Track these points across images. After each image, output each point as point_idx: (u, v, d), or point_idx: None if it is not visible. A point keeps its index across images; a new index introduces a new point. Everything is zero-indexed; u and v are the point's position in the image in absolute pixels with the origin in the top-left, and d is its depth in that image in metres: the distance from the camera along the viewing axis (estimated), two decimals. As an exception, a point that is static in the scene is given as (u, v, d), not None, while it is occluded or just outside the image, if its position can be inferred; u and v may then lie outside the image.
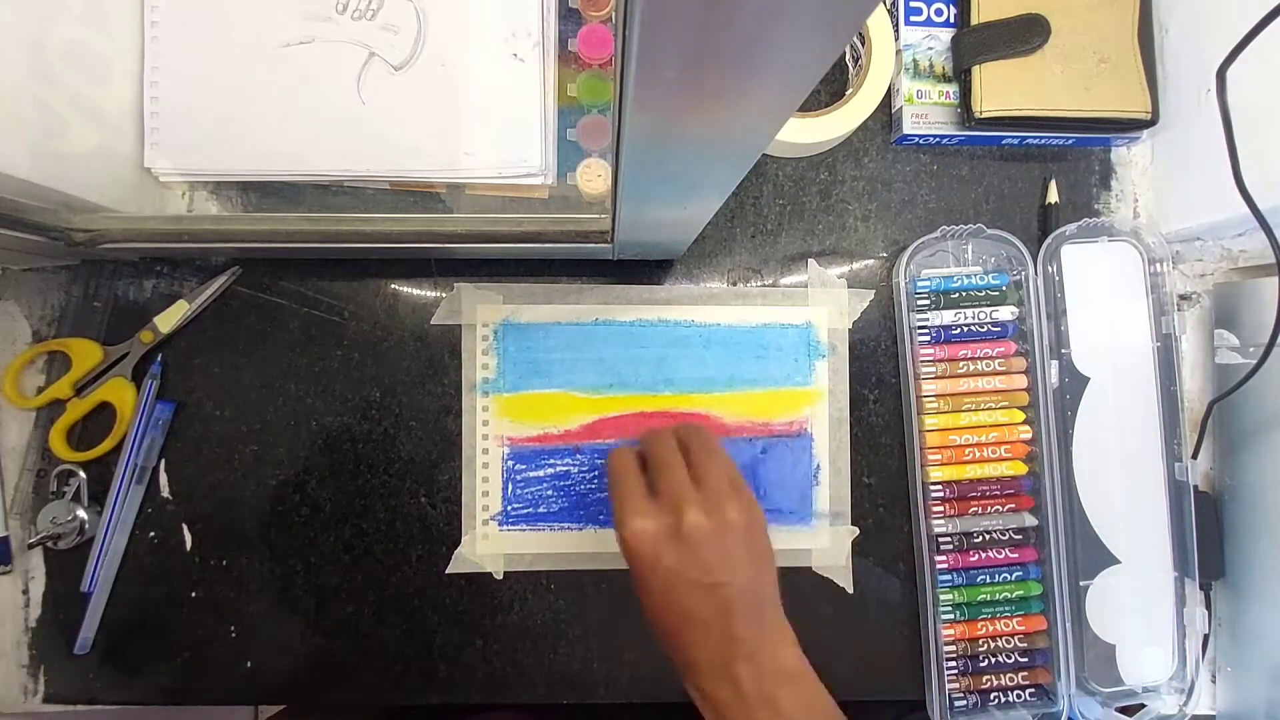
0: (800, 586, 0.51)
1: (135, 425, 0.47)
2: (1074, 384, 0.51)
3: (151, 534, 0.48)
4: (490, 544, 0.49)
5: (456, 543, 0.49)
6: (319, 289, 0.50)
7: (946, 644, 0.50)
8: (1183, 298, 0.53)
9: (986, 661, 0.50)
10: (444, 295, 0.50)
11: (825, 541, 0.51)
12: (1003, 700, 0.49)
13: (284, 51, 0.47)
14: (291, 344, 0.49)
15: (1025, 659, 0.50)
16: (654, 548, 0.37)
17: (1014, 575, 0.50)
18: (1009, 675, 0.50)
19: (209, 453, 0.49)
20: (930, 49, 0.51)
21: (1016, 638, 0.50)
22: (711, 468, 0.40)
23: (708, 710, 0.37)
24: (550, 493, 0.50)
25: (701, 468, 0.40)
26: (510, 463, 0.50)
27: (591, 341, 0.50)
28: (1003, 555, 0.50)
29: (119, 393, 0.47)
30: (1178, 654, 0.50)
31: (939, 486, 0.50)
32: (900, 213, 0.52)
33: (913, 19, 0.51)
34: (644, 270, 0.51)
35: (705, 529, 0.37)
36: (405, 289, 0.50)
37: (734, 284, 0.52)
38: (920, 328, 0.51)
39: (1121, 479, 0.51)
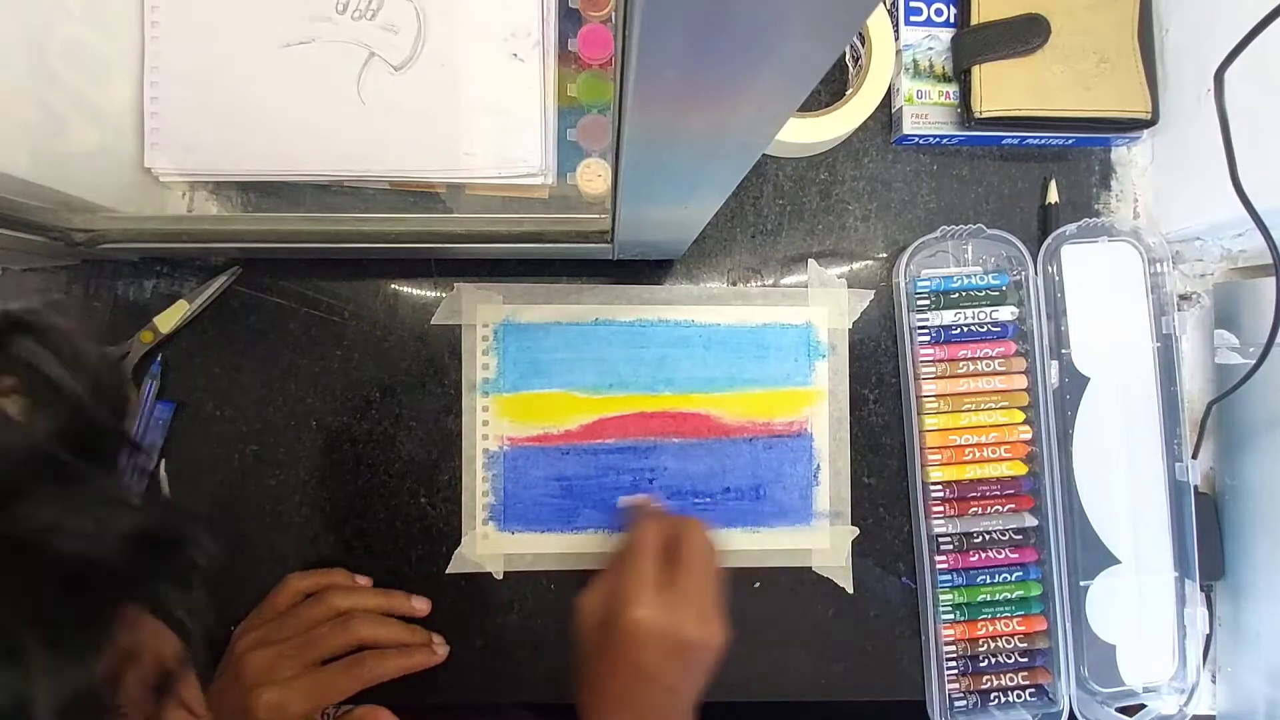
0: (800, 586, 0.51)
1: (135, 425, 0.47)
2: (1074, 384, 0.51)
3: (151, 534, 0.48)
4: (490, 544, 0.49)
5: (456, 543, 0.49)
6: (319, 289, 0.50)
7: (946, 644, 0.50)
8: (1183, 298, 0.53)
9: (986, 661, 0.50)
10: (444, 295, 0.50)
11: (825, 541, 0.51)
12: (1003, 700, 0.49)
13: (284, 51, 0.47)
14: (291, 344, 0.49)
15: (1025, 659, 0.50)
16: (647, 641, 0.38)
17: (1014, 575, 0.50)
18: (1009, 675, 0.50)
19: (209, 453, 0.49)
20: (930, 49, 0.51)
21: (1016, 638, 0.50)
22: (716, 583, 0.42)
23: None
24: (550, 493, 0.50)
25: (710, 579, 0.42)
26: (510, 463, 0.50)
27: (591, 341, 0.50)
28: (1003, 555, 0.50)
29: (119, 393, 0.47)
30: (1178, 654, 0.50)
31: (939, 486, 0.50)
32: (900, 213, 0.52)
33: (913, 19, 0.51)
34: (644, 270, 0.51)
35: (697, 646, 0.39)
36: (405, 289, 0.50)
37: (734, 284, 0.51)
38: (920, 328, 0.51)
39: (1121, 479, 0.51)
